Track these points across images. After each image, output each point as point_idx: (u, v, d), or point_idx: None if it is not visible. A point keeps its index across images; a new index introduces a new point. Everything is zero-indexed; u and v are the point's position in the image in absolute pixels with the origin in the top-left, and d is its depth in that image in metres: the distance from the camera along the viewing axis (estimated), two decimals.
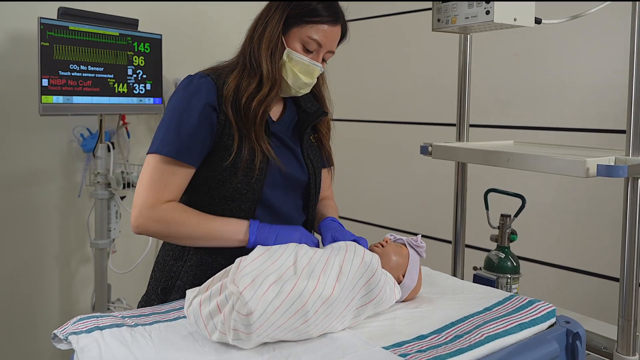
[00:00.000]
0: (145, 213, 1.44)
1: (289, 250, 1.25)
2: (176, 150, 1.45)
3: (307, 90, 1.60)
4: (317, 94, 1.71)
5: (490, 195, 1.81)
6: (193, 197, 1.54)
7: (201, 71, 1.56)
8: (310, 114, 1.65)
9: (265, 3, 1.57)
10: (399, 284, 1.35)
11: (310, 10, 1.50)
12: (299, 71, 1.53)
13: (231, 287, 1.10)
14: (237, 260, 1.19)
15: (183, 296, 1.45)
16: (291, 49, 1.51)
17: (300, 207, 1.64)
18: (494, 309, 1.30)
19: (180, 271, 1.56)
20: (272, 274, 1.14)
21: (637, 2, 1.35)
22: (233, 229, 1.45)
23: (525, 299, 1.34)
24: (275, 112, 1.63)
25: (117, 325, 1.18)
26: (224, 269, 1.22)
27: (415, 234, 1.48)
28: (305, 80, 1.55)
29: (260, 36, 1.52)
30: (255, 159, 1.48)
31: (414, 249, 1.44)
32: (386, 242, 1.44)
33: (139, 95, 2.82)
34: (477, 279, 1.73)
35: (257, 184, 1.50)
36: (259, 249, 1.24)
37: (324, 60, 1.58)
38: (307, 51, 1.53)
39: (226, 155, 1.49)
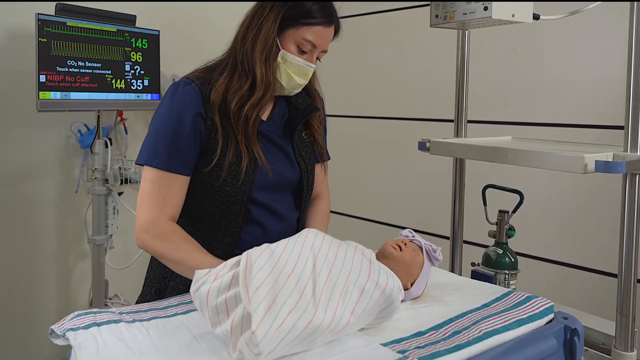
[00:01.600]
0: (145, 228, 1.45)
1: (307, 248, 1.18)
2: (169, 162, 1.46)
3: (300, 89, 1.59)
4: (308, 89, 1.69)
5: (489, 191, 1.81)
6: (184, 201, 1.54)
7: (187, 76, 1.55)
8: (301, 110, 1.64)
9: (255, 2, 1.55)
10: (405, 290, 1.32)
11: (305, 12, 1.48)
12: (293, 72, 1.52)
13: (242, 293, 1.04)
14: (254, 253, 1.14)
15: (178, 294, 1.44)
16: (286, 51, 1.50)
17: (293, 204, 1.64)
18: (492, 305, 1.30)
19: (173, 272, 1.55)
20: (289, 298, 1.05)
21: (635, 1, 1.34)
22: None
23: (523, 295, 1.33)
24: (264, 111, 1.61)
25: (115, 322, 1.17)
26: (236, 258, 1.15)
27: (414, 231, 1.46)
28: (299, 81, 1.54)
29: (255, 38, 1.50)
30: (242, 162, 1.48)
31: (429, 259, 1.38)
32: (405, 244, 1.37)
33: (136, 91, 2.81)
34: (475, 275, 1.73)
35: (245, 185, 1.49)
36: (276, 244, 1.19)
37: (317, 59, 1.57)
38: (301, 52, 1.52)
39: (212, 159, 1.49)
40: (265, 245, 1.17)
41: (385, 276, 1.20)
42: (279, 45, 1.50)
